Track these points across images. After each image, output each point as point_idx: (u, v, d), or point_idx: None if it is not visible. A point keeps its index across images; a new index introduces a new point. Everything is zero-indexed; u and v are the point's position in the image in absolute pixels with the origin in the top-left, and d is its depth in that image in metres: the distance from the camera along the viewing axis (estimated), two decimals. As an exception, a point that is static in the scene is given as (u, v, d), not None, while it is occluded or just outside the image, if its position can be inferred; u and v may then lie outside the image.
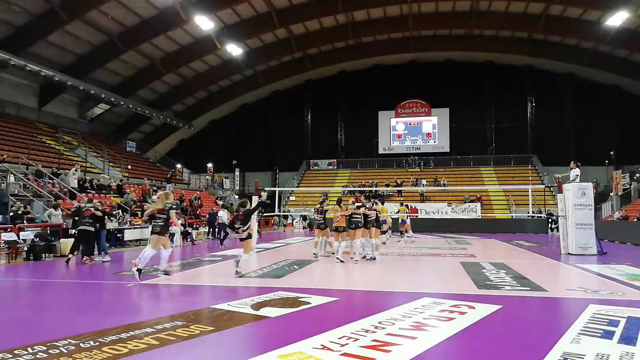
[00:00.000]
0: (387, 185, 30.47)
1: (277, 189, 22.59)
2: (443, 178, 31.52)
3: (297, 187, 33.65)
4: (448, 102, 35.11)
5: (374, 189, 29.77)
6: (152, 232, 8.03)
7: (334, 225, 10.81)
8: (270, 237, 20.29)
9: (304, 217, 24.83)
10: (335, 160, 36.92)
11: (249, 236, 8.33)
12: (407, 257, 12.28)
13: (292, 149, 37.19)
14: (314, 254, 11.41)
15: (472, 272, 8.85)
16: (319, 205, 11.66)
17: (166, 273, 8.13)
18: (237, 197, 33.74)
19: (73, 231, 11.52)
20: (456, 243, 17.19)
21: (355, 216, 10.67)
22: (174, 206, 8.13)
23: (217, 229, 16.16)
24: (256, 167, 37.18)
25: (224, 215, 15.81)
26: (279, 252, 13.30)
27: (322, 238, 11.47)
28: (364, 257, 10.91)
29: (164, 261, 8.10)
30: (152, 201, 8.20)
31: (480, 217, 25.51)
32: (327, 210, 11.24)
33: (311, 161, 37.21)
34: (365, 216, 10.75)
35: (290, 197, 32.17)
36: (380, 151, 36.44)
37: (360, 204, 11.02)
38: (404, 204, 18.22)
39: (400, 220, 16.57)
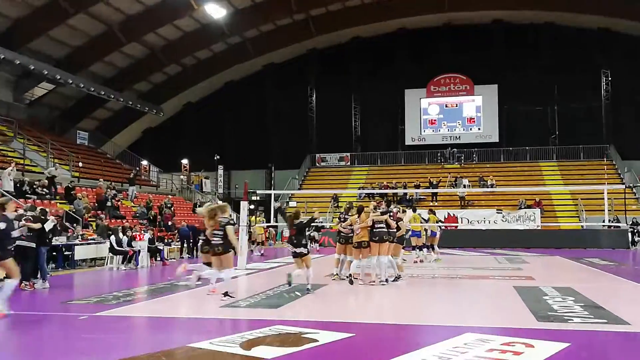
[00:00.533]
0: (417, 187, 30.42)
1: (272, 191, 22.64)
2: (490, 177, 31.42)
3: (299, 189, 33.74)
4: (496, 77, 35.01)
5: (400, 191, 29.72)
6: (213, 254, 9.25)
7: (355, 241, 10.84)
8: (267, 255, 20.27)
9: (317, 229, 24.20)
10: (348, 154, 36.96)
11: (309, 251, 9.92)
12: (443, 280, 12.22)
13: (292, 139, 37.30)
14: (335, 274, 11.44)
15: (529, 299, 8.85)
16: (343, 214, 11.70)
17: (229, 295, 8.97)
18: (220, 202, 33.81)
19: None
20: (508, 262, 17.15)
21: (379, 226, 10.71)
22: (231, 221, 9.44)
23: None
24: (245, 164, 37.33)
25: None
26: (277, 274, 13.30)
27: (344, 255, 11.49)
28: (386, 280, 10.92)
29: (227, 282, 9.10)
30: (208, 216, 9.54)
31: (539, 228, 25.34)
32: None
33: (317, 155, 37.26)
34: (389, 226, 10.79)
35: (290, 203, 32.22)
36: (408, 142, 36.40)
37: (384, 210, 11.07)
38: (432, 210, 18.16)
39: (429, 232, 16.60)
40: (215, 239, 9.25)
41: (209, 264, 9.59)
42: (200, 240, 9.88)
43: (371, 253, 10.71)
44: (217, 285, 9.41)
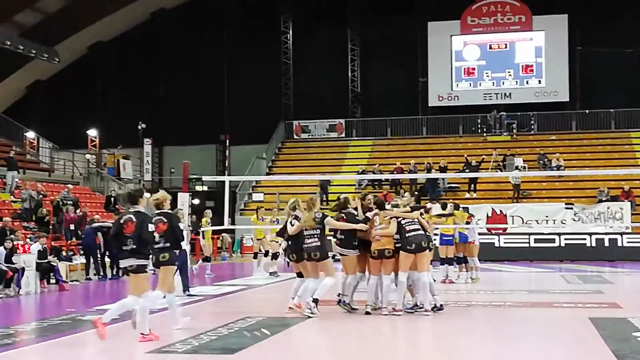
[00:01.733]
0: (444, 170, 30.33)
1: (226, 177, 22.45)
2: (557, 154, 31.48)
3: (268, 173, 33.63)
4: (567, 3, 35.00)
5: (422, 175, 29.62)
6: (309, 259, 10.75)
7: (374, 249, 10.80)
8: (218, 274, 20.19)
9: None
10: (342, 121, 36.84)
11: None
12: (483, 310, 12.32)
13: (258, 100, 37.07)
14: (344, 303, 11.36)
15: (613, 336, 8.90)
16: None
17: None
18: (148, 195, 33.58)
19: None
20: (582, 281, 17.21)
21: (411, 228, 10.81)
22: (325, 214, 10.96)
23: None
24: (186, 137, 37.13)
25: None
26: (233, 302, 13.28)
27: (352, 276, 11.36)
28: (413, 307, 11.03)
29: (322, 290, 10.60)
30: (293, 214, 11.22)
31: (629, 230, 25.42)
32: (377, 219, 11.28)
33: (295, 123, 37.11)
34: (424, 229, 10.96)
35: (254, 195, 32.10)
36: (433, 102, 36.35)
37: (414, 205, 11.40)
38: (460, 206, 18.05)
39: (456, 236, 16.53)
40: (310, 240, 10.58)
41: (300, 275, 11.27)
42: (288, 247, 11.30)
43: (401, 268, 10.79)
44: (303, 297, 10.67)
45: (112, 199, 28.64)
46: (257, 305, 12.33)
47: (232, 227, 23.51)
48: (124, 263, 8.86)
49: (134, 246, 8.57)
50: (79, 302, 14.16)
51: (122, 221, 8.76)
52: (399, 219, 10.83)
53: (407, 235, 10.72)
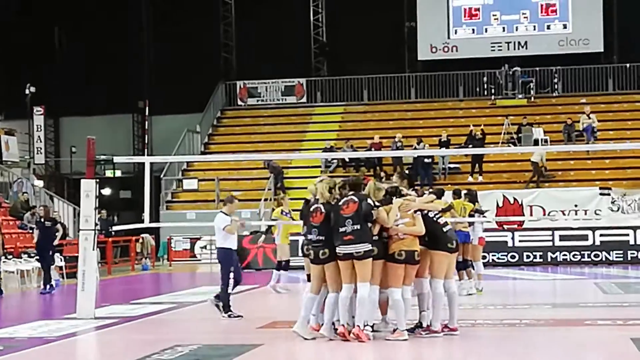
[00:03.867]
0: (444, 144, 30.43)
1: (146, 158, 22.42)
2: (591, 119, 31.56)
3: (203, 153, 33.71)
4: None
5: (408, 153, 29.76)
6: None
7: (399, 250, 10.73)
8: (137, 289, 20.16)
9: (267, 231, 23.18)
10: (302, 80, 36.97)
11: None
12: (492, 331, 12.44)
13: (189, 54, 37.20)
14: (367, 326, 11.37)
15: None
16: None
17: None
18: (37, 184, 33.40)
19: None
20: (622, 290, 17.38)
21: (444, 221, 11.16)
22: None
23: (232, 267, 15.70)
24: (91, 105, 37.23)
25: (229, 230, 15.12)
26: (160, 326, 13.28)
27: (368, 289, 11.30)
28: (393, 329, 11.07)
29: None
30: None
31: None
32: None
33: (239, 84, 37.09)
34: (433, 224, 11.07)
35: (185, 182, 32.03)
36: (424, 55, 36.57)
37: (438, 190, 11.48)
38: (463, 191, 18.06)
39: (453, 234, 16.43)
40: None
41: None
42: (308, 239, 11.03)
43: (439, 275, 10.97)
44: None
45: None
46: (191, 330, 12.29)
47: (155, 225, 23.48)
48: (343, 249, 10.34)
49: (357, 226, 10.28)
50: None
51: (340, 203, 10.59)
52: (423, 212, 10.95)
53: (445, 231, 10.99)
